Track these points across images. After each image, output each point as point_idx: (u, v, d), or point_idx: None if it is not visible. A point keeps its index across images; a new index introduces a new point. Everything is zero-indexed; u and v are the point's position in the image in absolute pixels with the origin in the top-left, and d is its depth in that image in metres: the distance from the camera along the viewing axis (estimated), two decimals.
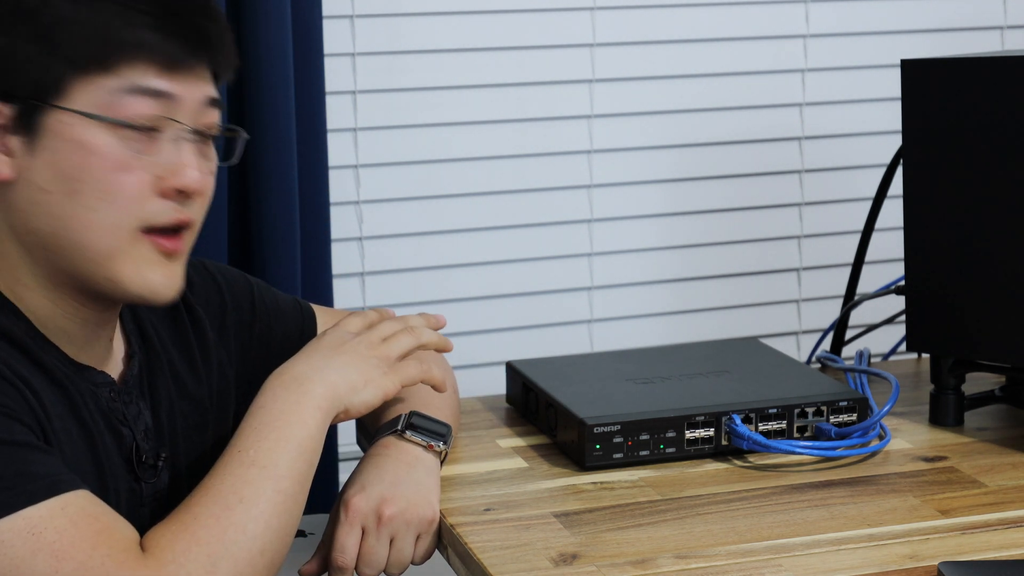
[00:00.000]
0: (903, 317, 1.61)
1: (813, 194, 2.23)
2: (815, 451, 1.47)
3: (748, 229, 2.21)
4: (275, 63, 1.82)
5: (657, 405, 1.50)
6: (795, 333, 2.26)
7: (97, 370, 1.25)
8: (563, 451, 1.51)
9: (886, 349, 1.91)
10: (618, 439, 1.46)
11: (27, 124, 1.16)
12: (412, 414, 1.38)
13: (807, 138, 2.21)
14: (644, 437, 1.47)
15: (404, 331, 1.38)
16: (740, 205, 2.20)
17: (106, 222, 1.17)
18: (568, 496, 1.41)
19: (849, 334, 1.82)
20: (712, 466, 1.48)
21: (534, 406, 1.58)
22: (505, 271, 2.11)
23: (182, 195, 1.20)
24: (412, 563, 1.33)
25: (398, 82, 2.02)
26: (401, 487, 1.32)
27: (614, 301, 2.16)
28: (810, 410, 1.51)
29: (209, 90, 1.21)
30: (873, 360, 1.82)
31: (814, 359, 1.81)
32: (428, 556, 1.35)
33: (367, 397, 1.31)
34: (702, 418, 1.48)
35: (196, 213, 1.22)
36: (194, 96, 1.20)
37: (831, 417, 1.52)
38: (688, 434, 1.48)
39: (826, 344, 1.82)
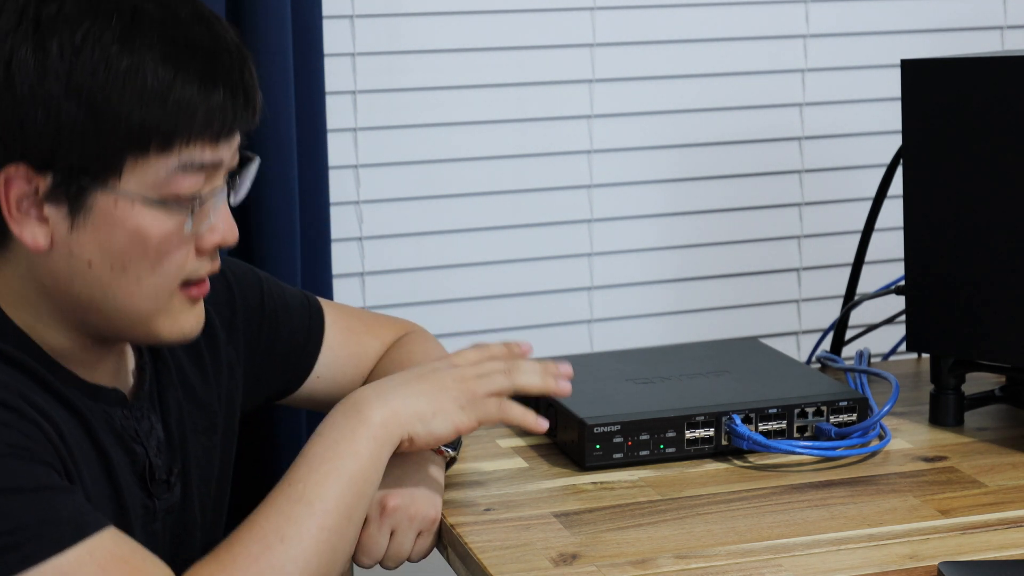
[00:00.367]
0: (903, 317, 1.61)
1: (813, 194, 2.23)
2: (815, 451, 1.47)
3: (748, 229, 2.21)
4: (275, 63, 1.82)
5: (657, 405, 1.50)
6: (795, 333, 2.26)
7: (109, 388, 1.24)
8: (563, 451, 1.51)
9: (886, 349, 1.91)
10: (618, 439, 1.46)
11: (71, 198, 1.13)
12: None
13: (807, 138, 2.21)
14: (644, 437, 1.47)
15: (500, 372, 1.33)
16: (740, 205, 2.20)
17: (150, 290, 1.18)
18: (568, 496, 1.41)
19: (849, 334, 1.82)
20: (712, 466, 1.48)
21: (534, 406, 1.58)
22: (505, 271, 2.11)
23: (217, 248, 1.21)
24: (409, 560, 1.33)
25: (398, 82, 2.02)
26: (407, 482, 1.32)
27: (614, 301, 2.16)
28: (810, 410, 1.51)
29: (239, 141, 1.21)
30: (873, 360, 1.82)
31: (814, 359, 1.81)
32: (426, 554, 1.35)
33: (436, 427, 1.28)
34: (702, 418, 1.48)
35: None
36: (231, 154, 1.19)
37: (831, 417, 1.52)
38: (688, 434, 1.48)
39: (826, 344, 1.82)
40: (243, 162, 1.23)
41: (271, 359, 1.46)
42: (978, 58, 1.51)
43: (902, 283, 1.61)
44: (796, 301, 2.25)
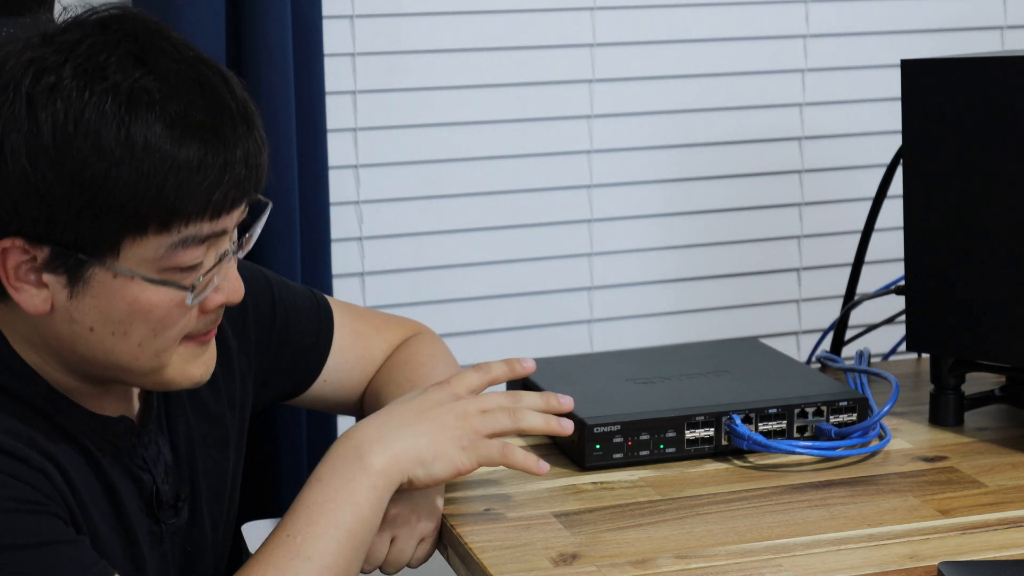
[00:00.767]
0: (903, 317, 1.61)
1: (813, 194, 2.23)
2: (815, 451, 1.47)
3: (748, 229, 2.21)
4: (275, 63, 1.82)
5: (657, 405, 1.50)
6: (795, 333, 2.26)
7: (116, 419, 1.23)
8: (563, 451, 1.51)
9: (886, 349, 1.91)
10: (618, 439, 1.46)
11: (68, 270, 1.12)
12: None
13: (807, 138, 2.21)
14: (644, 437, 1.47)
15: (504, 410, 1.31)
16: (740, 205, 2.20)
17: (153, 350, 1.16)
18: (568, 496, 1.41)
19: (849, 334, 1.82)
20: (712, 466, 1.48)
21: None
22: (505, 271, 2.11)
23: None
24: (409, 566, 1.33)
25: (398, 82, 2.02)
26: (410, 490, 1.32)
27: (614, 301, 2.16)
28: (810, 410, 1.51)
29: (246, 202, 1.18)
30: (873, 360, 1.82)
31: (814, 359, 1.80)
32: (425, 560, 1.35)
33: (436, 471, 1.27)
34: (702, 418, 1.48)
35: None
36: (238, 216, 1.17)
37: (831, 417, 1.52)
38: (688, 434, 1.48)
39: (826, 344, 1.82)
40: (254, 209, 1.21)
41: (280, 361, 1.45)
42: (978, 58, 1.51)
43: (902, 283, 1.61)
44: (796, 301, 2.25)
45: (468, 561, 1.29)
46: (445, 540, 1.35)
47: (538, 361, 1.65)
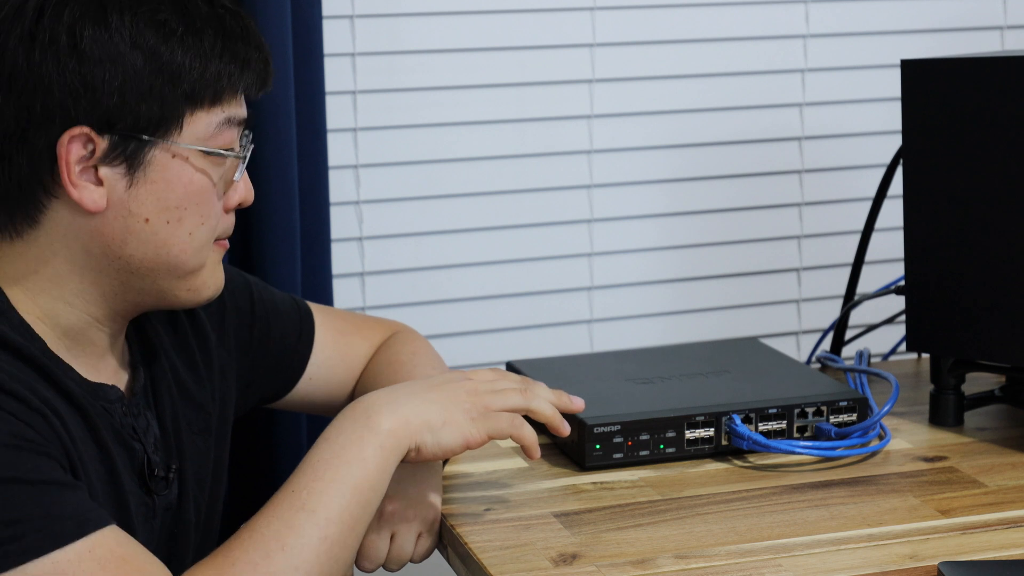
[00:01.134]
0: (903, 317, 1.61)
1: (813, 194, 2.23)
2: (815, 451, 1.47)
3: (748, 229, 2.21)
4: (275, 63, 1.81)
5: (657, 405, 1.50)
6: (795, 333, 2.26)
7: (109, 385, 1.25)
8: (563, 451, 1.51)
9: (886, 349, 1.91)
10: (618, 439, 1.46)
11: (128, 156, 1.18)
12: None
13: (807, 138, 2.21)
14: (644, 437, 1.47)
15: (515, 390, 1.32)
16: (740, 205, 2.20)
17: (199, 242, 1.23)
18: (568, 496, 1.41)
19: (849, 334, 1.82)
20: (712, 466, 1.48)
21: None
22: (505, 271, 2.11)
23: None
24: (411, 560, 1.33)
25: (398, 82, 2.02)
26: (404, 484, 1.32)
27: (614, 301, 2.16)
28: (810, 410, 1.51)
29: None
30: (873, 360, 1.82)
31: (814, 359, 1.81)
32: (428, 555, 1.35)
33: (445, 438, 1.27)
34: (702, 418, 1.48)
35: None
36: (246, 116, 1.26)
37: (831, 417, 1.52)
38: (688, 434, 1.48)
39: (826, 344, 1.82)
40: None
41: (263, 362, 1.46)
42: (978, 58, 1.51)
43: (902, 283, 1.61)
44: (796, 301, 2.25)
45: (468, 561, 1.29)
46: (445, 540, 1.35)
47: (538, 361, 1.66)
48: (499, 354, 2.05)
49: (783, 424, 1.50)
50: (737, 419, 1.48)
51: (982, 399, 1.62)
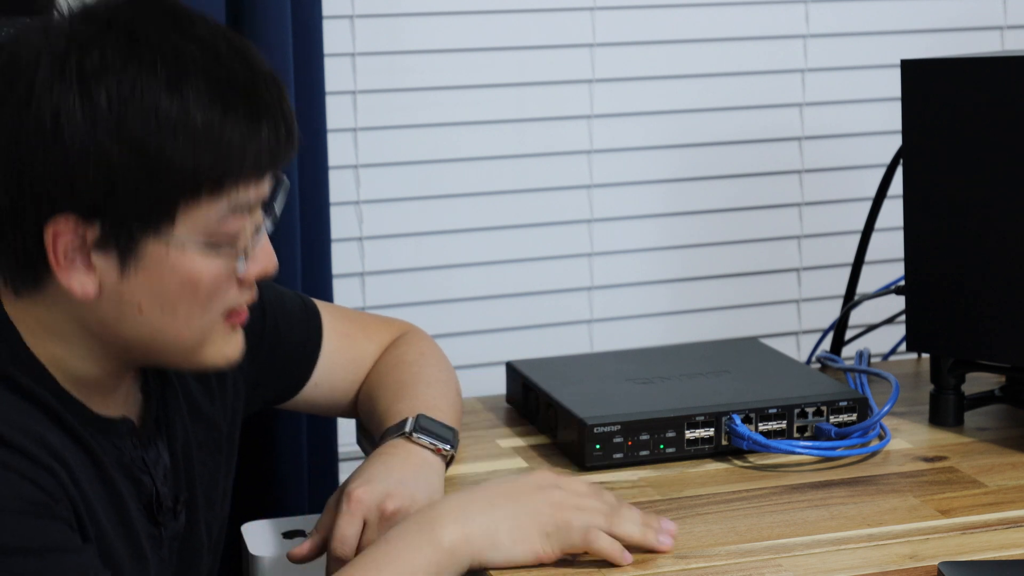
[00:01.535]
0: (903, 317, 1.61)
1: (813, 194, 2.23)
2: (815, 451, 1.47)
3: (748, 229, 2.21)
4: (275, 63, 1.81)
5: (657, 405, 1.50)
6: (795, 333, 2.26)
7: (119, 419, 1.23)
8: (563, 451, 1.51)
9: (886, 349, 1.91)
10: (618, 439, 1.46)
11: (121, 246, 1.13)
12: (420, 417, 1.37)
13: (807, 138, 2.21)
14: (644, 437, 1.47)
15: (600, 511, 1.26)
16: (740, 205, 2.20)
17: (199, 325, 1.18)
18: None
19: (849, 334, 1.82)
20: (712, 466, 1.48)
21: (534, 406, 1.58)
22: (505, 271, 2.11)
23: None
24: None
25: (398, 82, 2.02)
26: (407, 486, 1.31)
27: (614, 301, 2.16)
28: (810, 410, 1.51)
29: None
30: (873, 360, 1.82)
31: (814, 359, 1.80)
32: None
33: (514, 555, 1.23)
34: (702, 418, 1.48)
35: None
36: (267, 190, 1.19)
37: (831, 417, 1.52)
38: (688, 434, 1.48)
39: (826, 344, 1.82)
40: (274, 185, 1.22)
41: (271, 366, 1.45)
42: (978, 58, 1.51)
43: (902, 283, 1.61)
44: (796, 301, 2.25)
45: None
46: None
47: (538, 361, 1.66)
48: (499, 354, 2.05)
49: (783, 424, 1.50)
50: (737, 419, 1.48)
51: (982, 399, 1.62)
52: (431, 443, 1.36)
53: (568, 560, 1.25)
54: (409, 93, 2.02)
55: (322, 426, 1.96)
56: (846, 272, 1.81)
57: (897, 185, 1.62)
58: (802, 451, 1.46)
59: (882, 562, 1.25)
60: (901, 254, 1.58)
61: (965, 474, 1.45)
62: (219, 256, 1.15)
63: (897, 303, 1.69)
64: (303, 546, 1.32)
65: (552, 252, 2.13)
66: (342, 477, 2.02)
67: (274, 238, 1.82)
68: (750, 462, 1.49)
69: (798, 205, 2.23)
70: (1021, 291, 1.49)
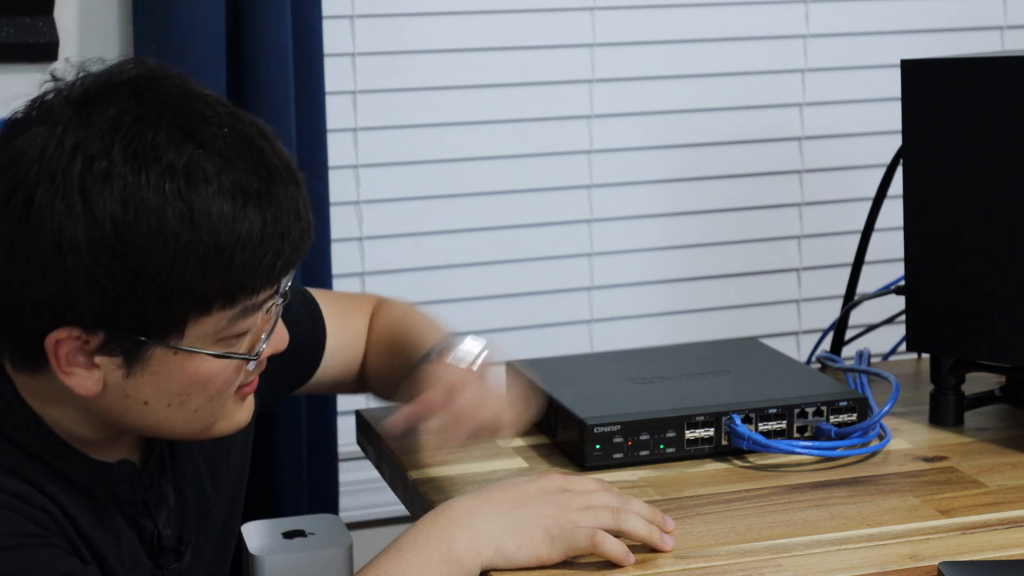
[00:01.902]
0: (903, 317, 1.61)
1: (813, 194, 2.23)
2: (815, 451, 1.47)
3: (748, 229, 2.21)
4: (275, 63, 1.82)
5: (657, 405, 1.50)
6: (795, 333, 2.26)
7: (118, 463, 1.19)
8: (563, 451, 1.51)
9: (886, 349, 1.91)
10: (618, 439, 1.46)
11: (125, 352, 1.09)
12: (450, 335, 1.40)
13: (807, 138, 2.21)
14: (644, 437, 1.47)
15: (608, 509, 1.25)
16: (740, 205, 2.20)
17: (208, 412, 1.15)
18: None
19: (849, 334, 1.82)
20: (712, 466, 1.48)
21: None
22: (505, 271, 2.11)
23: None
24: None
25: (398, 82, 2.02)
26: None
27: (614, 301, 2.16)
28: (810, 410, 1.51)
29: None
30: (873, 360, 1.81)
31: (814, 359, 1.80)
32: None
33: (517, 559, 1.22)
34: (702, 418, 1.48)
35: None
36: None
37: (831, 417, 1.52)
38: (688, 434, 1.48)
39: (826, 344, 1.82)
40: None
41: (280, 366, 1.41)
42: (978, 58, 1.51)
43: (902, 283, 1.61)
44: (796, 301, 2.25)
45: None
46: None
47: (538, 361, 1.66)
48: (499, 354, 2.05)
49: (783, 424, 1.50)
50: (737, 419, 1.48)
51: (982, 399, 1.62)
52: (472, 339, 1.38)
53: (568, 560, 1.25)
54: (409, 93, 2.03)
55: (322, 426, 1.96)
56: (846, 272, 1.81)
57: (897, 185, 1.62)
58: (802, 451, 1.46)
59: (882, 562, 1.25)
60: (901, 254, 1.58)
61: (965, 474, 1.45)
62: (230, 356, 1.13)
63: (897, 303, 1.69)
64: (396, 418, 1.32)
65: (552, 252, 2.13)
66: (342, 477, 2.02)
67: None
68: (750, 462, 1.49)
69: (798, 205, 2.23)
70: (1021, 291, 1.49)
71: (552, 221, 2.12)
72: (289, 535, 1.45)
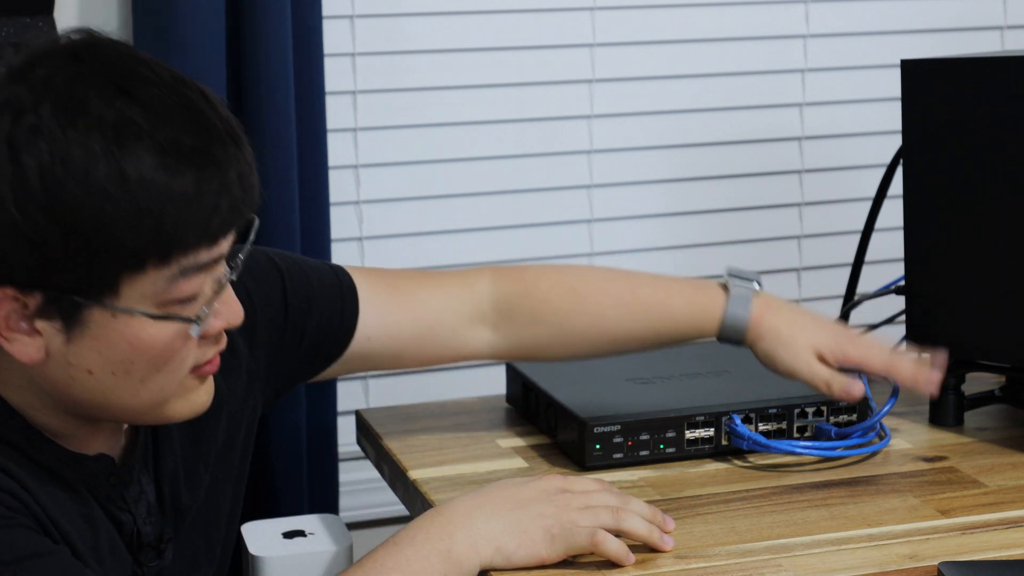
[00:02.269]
0: (903, 317, 1.61)
1: (813, 194, 2.23)
2: (815, 451, 1.47)
3: (748, 229, 2.21)
4: (275, 63, 1.82)
5: (657, 405, 1.50)
6: None
7: (94, 456, 1.17)
8: (563, 451, 1.51)
9: None
10: (618, 439, 1.46)
11: (64, 314, 1.06)
12: (726, 279, 1.48)
13: (807, 138, 2.21)
14: (644, 437, 1.47)
15: (608, 508, 1.26)
16: (740, 205, 2.20)
17: (157, 387, 1.12)
18: None
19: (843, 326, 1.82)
20: (712, 466, 1.48)
21: (534, 406, 1.58)
22: None
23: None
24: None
25: (398, 82, 2.02)
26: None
27: None
28: (810, 410, 1.51)
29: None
30: None
31: None
32: None
33: (517, 559, 1.23)
34: (702, 418, 1.48)
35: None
36: (232, 241, 1.12)
37: (831, 417, 1.52)
38: (688, 434, 1.48)
39: None
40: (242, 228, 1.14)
41: (296, 354, 1.38)
42: (978, 58, 1.51)
43: (902, 283, 1.61)
44: (796, 301, 2.25)
45: None
46: None
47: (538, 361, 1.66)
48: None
49: (783, 424, 1.50)
50: (737, 419, 1.48)
51: (982, 399, 1.62)
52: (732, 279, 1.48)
53: (568, 560, 1.25)
54: (409, 93, 2.03)
55: (322, 426, 1.96)
56: (846, 272, 1.81)
57: (897, 185, 1.62)
58: (802, 451, 1.46)
59: (882, 562, 1.25)
60: (901, 254, 1.58)
61: (965, 474, 1.45)
62: (173, 320, 1.09)
63: (897, 303, 1.69)
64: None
65: (552, 252, 2.13)
66: (342, 477, 2.02)
67: (274, 238, 1.85)
68: (750, 462, 1.49)
69: (798, 205, 2.23)
70: (1021, 291, 1.49)
71: (552, 221, 2.12)
72: (289, 535, 1.45)
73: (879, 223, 1.75)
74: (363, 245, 2.04)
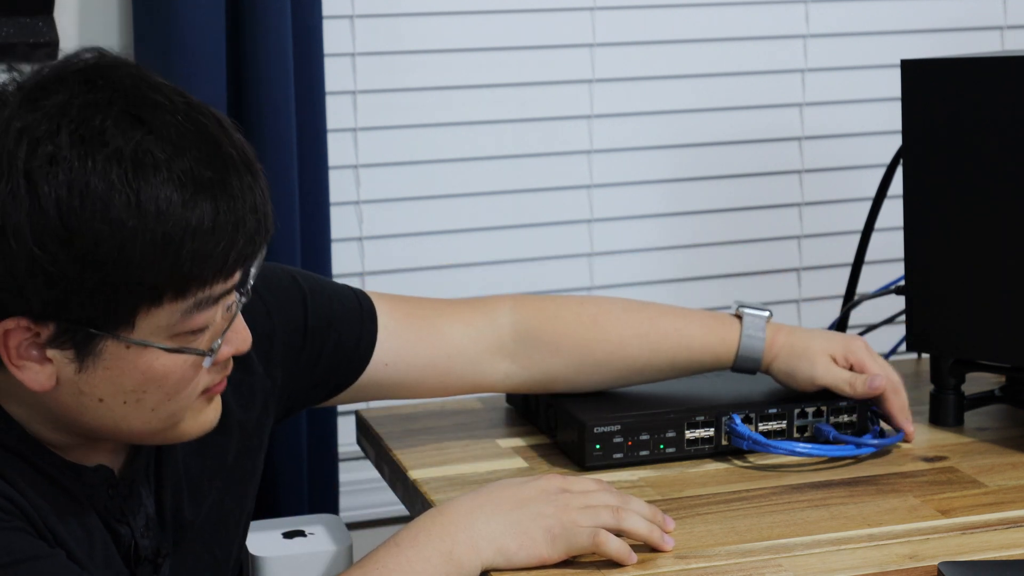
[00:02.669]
0: (903, 317, 1.61)
1: (813, 194, 2.23)
2: (815, 451, 1.47)
3: (748, 229, 2.21)
4: (275, 63, 1.82)
5: (657, 405, 1.50)
6: None
7: (92, 467, 1.16)
8: (563, 451, 1.51)
9: (886, 349, 1.90)
10: (618, 439, 1.46)
11: (76, 345, 1.06)
12: (737, 310, 1.51)
13: (807, 138, 2.21)
14: (644, 437, 1.47)
15: (608, 508, 1.25)
16: (740, 205, 2.20)
17: (167, 412, 1.12)
18: None
19: (849, 334, 1.82)
20: (712, 466, 1.48)
21: (534, 406, 1.58)
22: (505, 271, 2.11)
23: None
24: None
25: (398, 82, 2.02)
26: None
27: None
28: (810, 410, 1.51)
29: None
30: None
31: None
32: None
33: (518, 560, 1.23)
34: (702, 418, 1.48)
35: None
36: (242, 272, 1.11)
37: (831, 417, 1.52)
38: (688, 434, 1.48)
39: None
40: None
41: (311, 376, 1.38)
42: (978, 58, 1.51)
43: (902, 283, 1.61)
44: (796, 301, 2.25)
45: None
46: None
47: None
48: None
49: (783, 424, 1.50)
50: (737, 419, 1.48)
51: (982, 399, 1.62)
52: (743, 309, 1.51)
53: (568, 559, 1.25)
54: (409, 93, 2.03)
55: (322, 426, 1.96)
56: (846, 272, 1.81)
57: (897, 185, 1.62)
58: (802, 451, 1.46)
59: (882, 562, 1.25)
60: (901, 254, 1.58)
61: (965, 474, 1.45)
62: (184, 350, 1.09)
63: (897, 303, 1.69)
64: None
65: (552, 252, 2.13)
66: (342, 477, 2.02)
67: (274, 238, 1.84)
68: (750, 462, 1.49)
69: (798, 205, 2.23)
70: (1021, 291, 1.49)
71: (552, 221, 2.12)
72: (289, 535, 1.45)
73: (879, 223, 1.75)
74: (363, 245, 2.04)
